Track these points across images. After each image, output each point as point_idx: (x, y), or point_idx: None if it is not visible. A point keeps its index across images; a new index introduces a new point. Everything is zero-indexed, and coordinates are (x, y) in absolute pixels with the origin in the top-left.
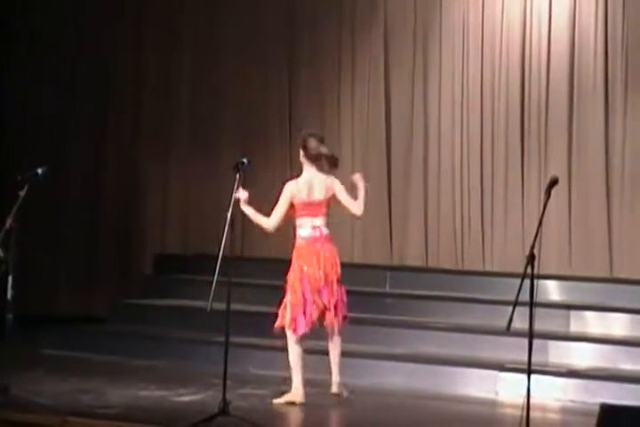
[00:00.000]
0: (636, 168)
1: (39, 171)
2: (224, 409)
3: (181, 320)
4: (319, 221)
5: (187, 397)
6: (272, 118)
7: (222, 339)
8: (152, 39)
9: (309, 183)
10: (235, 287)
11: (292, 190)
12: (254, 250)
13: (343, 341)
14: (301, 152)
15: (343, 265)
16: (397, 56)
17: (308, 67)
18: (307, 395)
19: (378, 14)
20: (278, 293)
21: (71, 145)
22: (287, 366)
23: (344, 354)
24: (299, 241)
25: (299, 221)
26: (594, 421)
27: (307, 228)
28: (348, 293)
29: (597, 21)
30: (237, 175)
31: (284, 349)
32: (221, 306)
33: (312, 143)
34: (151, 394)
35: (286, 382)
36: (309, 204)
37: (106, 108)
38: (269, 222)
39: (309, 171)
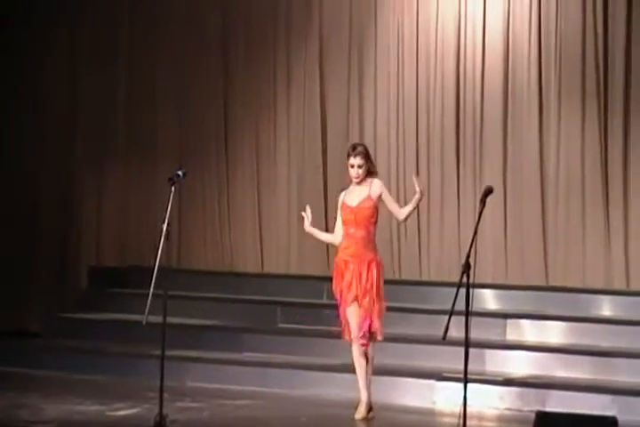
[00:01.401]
0: (570, 176)
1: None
2: (160, 423)
3: (117, 334)
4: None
5: (123, 411)
6: (208, 131)
7: (159, 352)
8: (88, 49)
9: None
10: (171, 300)
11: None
12: (191, 262)
13: (280, 352)
14: (370, 164)
15: (280, 276)
16: (333, 63)
17: (243, 78)
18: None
19: (313, 21)
20: (215, 305)
21: (4, 159)
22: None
23: (280, 365)
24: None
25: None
26: None
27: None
28: (287, 304)
29: (531, 28)
30: (173, 187)
31: (225, 362)
32: (158, 319)
33: None
34: (87, 409)
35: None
36: None
37: (39, 121)
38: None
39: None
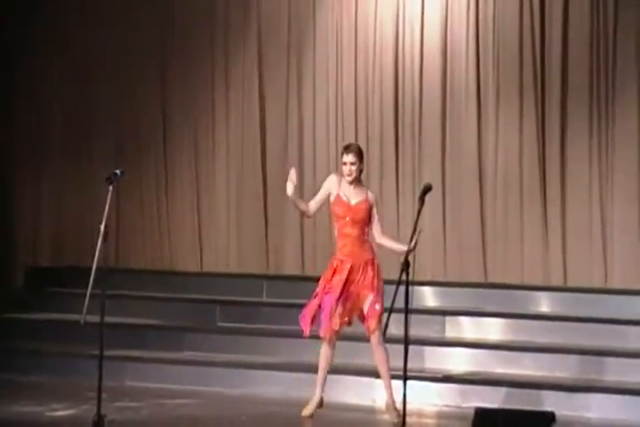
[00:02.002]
0: (508, 173)
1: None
2: (98, 423)
3: (55, 334)
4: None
5: (61, 411)
6: (147, 132)
7: (97, 352)
8: (27, 49)
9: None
10: (110, 300)
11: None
12: (130, 261)
13: (221, 351)
14: (362, 165)
15: (219, 275)
16: (271, 65)
17: (181, 80)
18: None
19: (251, 24)
20: (154, 304)
21: None
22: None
23: (221, 364)
24: None
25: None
26: (468, 424)
27: None
28: (226, 302)
29: (469, 26)
30: (110, 187)
31: (165, 361)
32: (96, 319)
33: None
34: (25, 410)
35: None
36: None
37: None
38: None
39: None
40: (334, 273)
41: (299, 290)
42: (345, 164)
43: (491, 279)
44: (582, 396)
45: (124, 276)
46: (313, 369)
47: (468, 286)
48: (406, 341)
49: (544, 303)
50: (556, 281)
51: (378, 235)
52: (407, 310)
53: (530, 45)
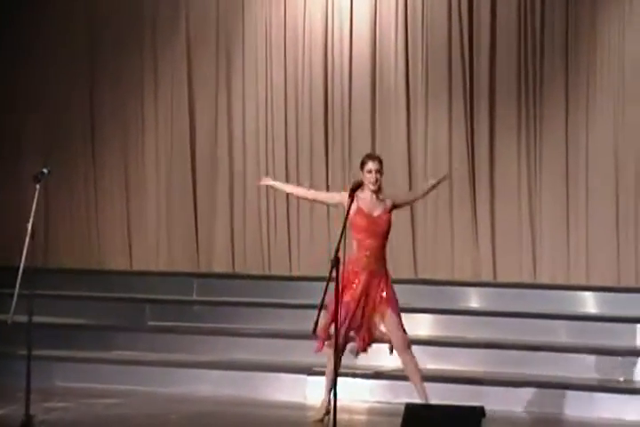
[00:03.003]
0: (437, 171)
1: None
2: (27, 423)
3: None
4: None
5: None
6: (75, 131)
7: (25, 352)
8: None
9: None
10: (38, 299)
11: None
12: (58, 261)
13: (150, 350)
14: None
15: (149, 274)
16: (201, 63)
17: (110, 79)
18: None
19: (180, 22)
20: (83, 303)
21: None
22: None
23: (150, 363)
24: None
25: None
26: (399, 420)
27: None
28: (156, 301)
29: (398, 26)
30: (38, 186)
31: (94, 361)
32: (24, 319)
33: None
34: None
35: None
36: None
37: None
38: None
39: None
40: (346, 287)
41: (229, 288)
42: (370, 171)
43: (421, 275)
44: (513, 390)
45: (52, 275)
46: (243, 366)
47: (399, 283)
48: (337, 338)
49: (474, 299)
50: (486, 277)
51: (419, 190)
52: (337, 307)
53: (458, 46)
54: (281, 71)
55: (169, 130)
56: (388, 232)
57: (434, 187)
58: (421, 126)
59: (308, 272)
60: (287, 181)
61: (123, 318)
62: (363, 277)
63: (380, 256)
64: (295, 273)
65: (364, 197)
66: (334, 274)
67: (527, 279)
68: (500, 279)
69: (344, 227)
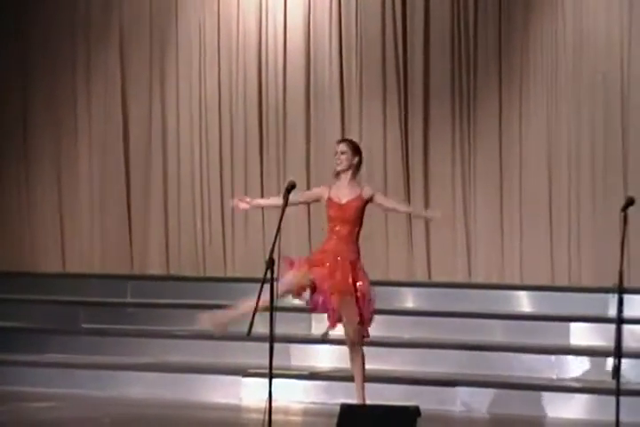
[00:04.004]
0: (372, 173)
1: None
2: None
3: None
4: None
5: None
6: (6, 131)
7: None
8: None
9: None
10: None
11: None
12: None
13: (84, 353)
14: (357, 159)
15: (82, 276)
16: (134, 65)
17: (42, 78)
18: None
19: (113, 23)
20: (15, 306)
21: None
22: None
23: (84, 366)
24: None
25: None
26: (335, 421)
27: None
28: (89, 304)
29: (332, 26)
30: None
31: (27, 364)
32: None
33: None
34: None
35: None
36: None
37: None
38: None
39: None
40: (316, 265)
41: (163, 290)
42: (335, 154)
43: None
44: (447, 390)
45: None
46: (177, 368)
47: None
48: (272, 338)
49: (409, 299)
50: (421, 277)
51: (400, 205)
52: (272, 308)
53: (392, 47)
54: (215, 74)
55: (102, 131)
56: (356, 219)
57: (416, 216)
58: (355, 126)
59: (242, 273)
60: (222, 185)
61: (56, 320)
62: (330, 260)
63: (348, 241)
64: (230, 274)
65: (340, 183)
66: (269, 275)
67: (462, 279)
68: (435, 279)
69: (279, 228)
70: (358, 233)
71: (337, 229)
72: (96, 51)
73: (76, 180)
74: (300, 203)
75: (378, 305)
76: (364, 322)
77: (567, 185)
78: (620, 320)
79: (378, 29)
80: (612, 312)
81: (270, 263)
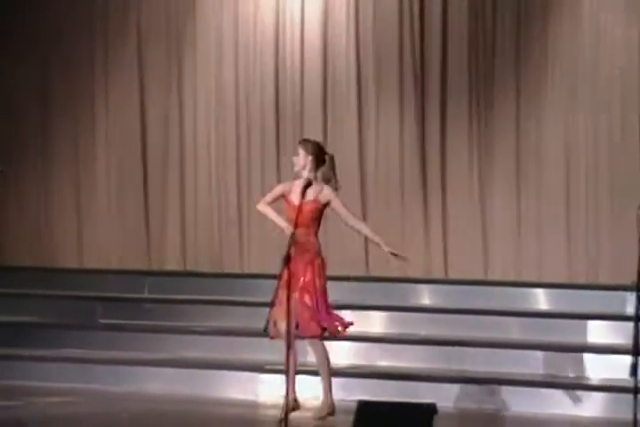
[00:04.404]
0: (388, 169)
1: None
2: None
3: None
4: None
5: None
6: (25, 127)
7: None
8: None
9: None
10: None
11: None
12: (9, 259)
13: (102, 348)
14: (312, 157)
15: (100, 271)
16: (152, 69)
17: (61, 76)
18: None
19: (130, 28)
20: (34, 301)
21: None
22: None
23: (101, 361)
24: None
25: (315, 230)
26: (351, 417)
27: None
28: (107, 299)
29: (349, 24)
30: None
31: (44, 359)
32: None
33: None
34: None
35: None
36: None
37: None
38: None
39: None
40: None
41: (180, 286)
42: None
43: (372, 273)
44: (464, 387)
45: (2, 273)
46: (194, 364)
47: (351, 280)
48: (289, 335)
49: (425, 296)
50: (437, 274)
51: (350, 220)
52: (289, 305)
53: (409, 44)
54: (232, 70)
55: (119, 128)
56: (312, 221)
57: (368, 238)
58: (372, 124)
59: (259, 270)
60: (239, 182)
61: (74, 316)
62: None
63: (303, 243)
64: (247, 270)
65: (299, 183)
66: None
67: (478, 276)
68: (452, 276)
69: (295, 225)
70: (316, 232)
71: (296, 230)
72: (114, 48)
73: (93, 176)
74: (273, 202)
75: (394, 302)
76: (316, 316)
77: (584, 183)
78: (637, 318)
79: (395, 27)
80: (630, 310)
81: (287, 260)
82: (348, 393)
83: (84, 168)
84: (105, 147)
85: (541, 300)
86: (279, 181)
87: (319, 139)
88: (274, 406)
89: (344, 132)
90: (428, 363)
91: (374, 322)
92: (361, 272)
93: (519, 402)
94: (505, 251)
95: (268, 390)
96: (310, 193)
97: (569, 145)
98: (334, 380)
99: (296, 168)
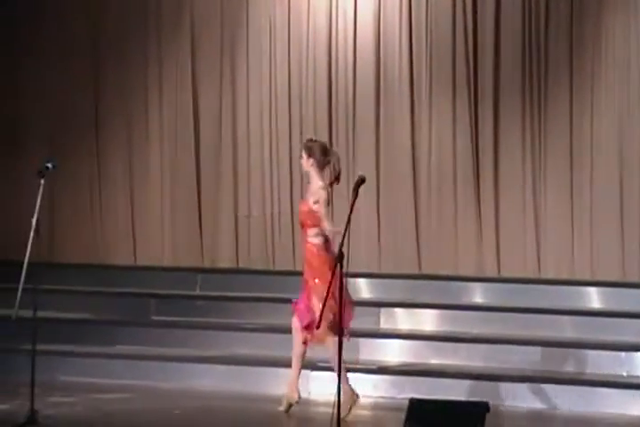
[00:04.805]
0: (441, 166)
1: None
2: (31, 418)
3: None
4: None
5: None
6: (78, 124)
7: (29, 347)
8: None
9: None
10: (42, 294)
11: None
12: (62, 255)
13: (154, 345)
14: (310, 160)
15: (153, 269)
16: (205, 62)
17: (115, 75)
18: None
19: (184, 16)
20: (87, 298)
21: None
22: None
23: (154, 358)
24: (322, 247)
25: (315, 231)
26: (403, 415)
27: (321, 236)
28: (160, 296)
29: (402, 19)
30: (42, 180)
31: (97, 355)
32: (28, 313)
33: (325, 151)
34: None
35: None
36: None
37: None
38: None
39: (319, 178)
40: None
41: (232, 283)
42: None
43: (425, 271)
44: (516, 386)
45: (57, 270)
46: (246, 361)
47: (403, 278)
48: (340, 333)
49: (478, 294)
50: (490, 272)
51: (326, 226)
52: (342, 302)
53: (462, 37)
54: (285, 68)
55: (173, 124)
56: (305, 222)
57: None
58: (425, 121)
59: None
60: (291, 179)
61: (126, 312)
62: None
63: (304, 245)
64: (298, 268)
65: (308, 185)
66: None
67: (531, 275)
68: (504, 275)
69: (348, 222)
70: (313, 234)
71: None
72: (167, 41)
73: (146, 173)
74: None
75: (446, 300)
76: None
77: (638, 180)
78: None
79: (448, 24)
80: None
81: (340, 257)
82: (400, 391)
83: (138, 165)
84: (158, 144)
85: (594, 298)
86: None
87: (371, 139)
88: (325, 404)
89: (396, 132)
90: (480, 361)
91: (426, 320)
92: (413, 270)
93: (570, 401)
94: (558, 249)
95: (319, 387)
96: (308, 194)
97: (623, 142)
98: (385, 377)
99: (304, 169)
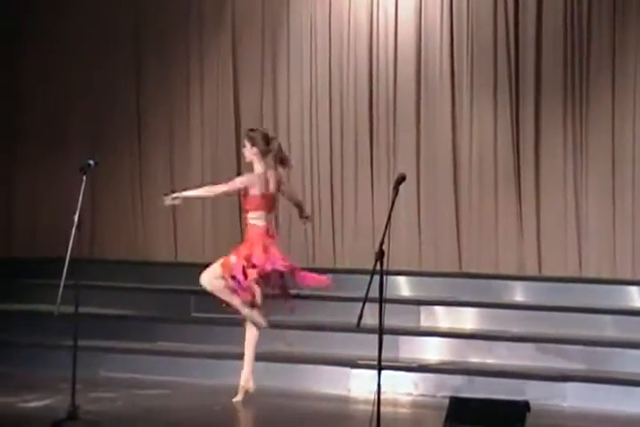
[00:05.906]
0: (482, 164)
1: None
2: (73, 414)
3: (28, 325)
4: (271, 217)
5: (33, 402)
6: (121, 121)
7: (71, 343)
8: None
9: (264, 177)
10: (83, 290)
11: (248, 181)
12: (104, 252)
13: (194, 341)
14: (254, 149)
15: (194, 265)
16: (246, 54)
17: (155, 70)
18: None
19: (225, 11)
20: (128, 294)
21: None
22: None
23: (194, 355)
24: (255, 229)
25: (253, 215)
26: (444, 414)
27: (262, 220)
28: (200, 293)
29: (443, 16)
30: (84, 177)
31: (138, 351)
32: (70, 309)
33: (267, 140)
34: None
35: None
36: (263, 197)
37: None
38: (212, 190)
39: (260, 166)
40: None
41: None
42: None
43: (465, 269)
44: (557, 385)
45: (98, 266)
46: (287, 359)
47: (443, 276)
48: (381, 330)
49: (519, 293)
50: (531, 270)
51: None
52: (382, 300)
53: (504, 34)
54: (326, 63)
55: (214, 120)
56: (244, 206)
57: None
58: (466, 118)
59: (352, 265)
60: (332, 177)
61: (167, 309)
62: None
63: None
64: (339, 266)
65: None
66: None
67: (572, 273)
68: (546, 273)
69: (388, 219)
70: (247, 216)
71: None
72: (208, 37)
73: (188, 170)
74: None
75: (487, 298)
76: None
77: None
78: None
79: (489, 23)
80: None
81: (380, 255)
82: (439, 389)
83: (179, 161)
84: (199, 142)
85: (636, 297)
86: (372, 175)
87: (412, 136)
88: (365, 402)
89: (436, 129)
90: (520, 360)
91: (466, 318)
92: (453, 268)
93: (612, 400)
94: (599, 248)
95: (359, 385)
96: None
97: None
98: (426, 375)
99: (246, 160)
